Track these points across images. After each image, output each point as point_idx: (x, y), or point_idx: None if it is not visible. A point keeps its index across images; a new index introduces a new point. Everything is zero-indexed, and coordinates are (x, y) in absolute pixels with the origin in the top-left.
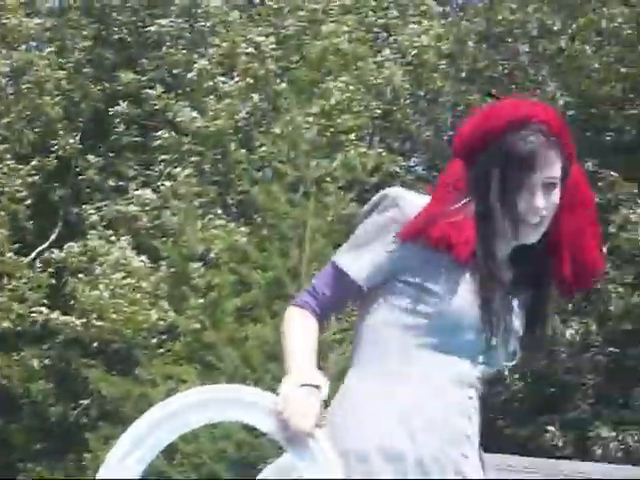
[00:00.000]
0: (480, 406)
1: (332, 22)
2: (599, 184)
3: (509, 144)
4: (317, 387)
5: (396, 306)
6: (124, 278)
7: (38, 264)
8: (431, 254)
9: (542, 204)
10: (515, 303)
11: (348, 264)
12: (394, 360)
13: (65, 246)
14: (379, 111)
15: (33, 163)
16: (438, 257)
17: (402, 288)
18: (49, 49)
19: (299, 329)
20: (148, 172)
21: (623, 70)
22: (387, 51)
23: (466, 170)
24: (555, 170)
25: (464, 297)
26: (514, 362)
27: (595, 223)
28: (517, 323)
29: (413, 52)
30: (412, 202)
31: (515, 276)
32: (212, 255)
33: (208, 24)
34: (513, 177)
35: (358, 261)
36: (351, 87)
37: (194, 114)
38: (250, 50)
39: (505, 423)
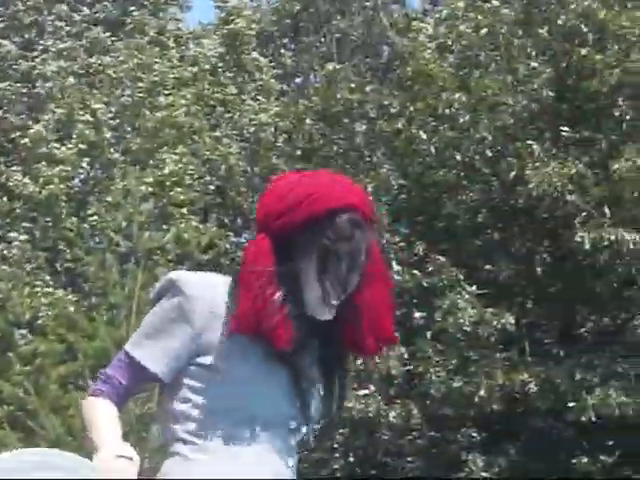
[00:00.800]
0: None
1: (169, 94)
2: (428, 269)
3: (329, 240)
4: (131, 459)
5: (195, 389)
6: None
7: None
8: (233, 338)
9: (347, 291)
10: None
11: (142, 356)
12: (203, 441)
13: None
14: (212, 187)
15: None
16: (240, 340)
17: (197, 371)
18: None
19: (102, 412)
20: None
21: (458, 157)
22: (224, 127)
23: (273, 246)
24: (363, 259)
25: (265, 371)
26: (326, 419)
27: (391, 297)
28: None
29: (251, 129)
30: (196, 286)
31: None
32: (39, 322)
33: (46, 88)
34: (329, 269)
35: (152, 352)
36: (185, 160)
37: (26, 179)
38: (87, 117)
39: None
